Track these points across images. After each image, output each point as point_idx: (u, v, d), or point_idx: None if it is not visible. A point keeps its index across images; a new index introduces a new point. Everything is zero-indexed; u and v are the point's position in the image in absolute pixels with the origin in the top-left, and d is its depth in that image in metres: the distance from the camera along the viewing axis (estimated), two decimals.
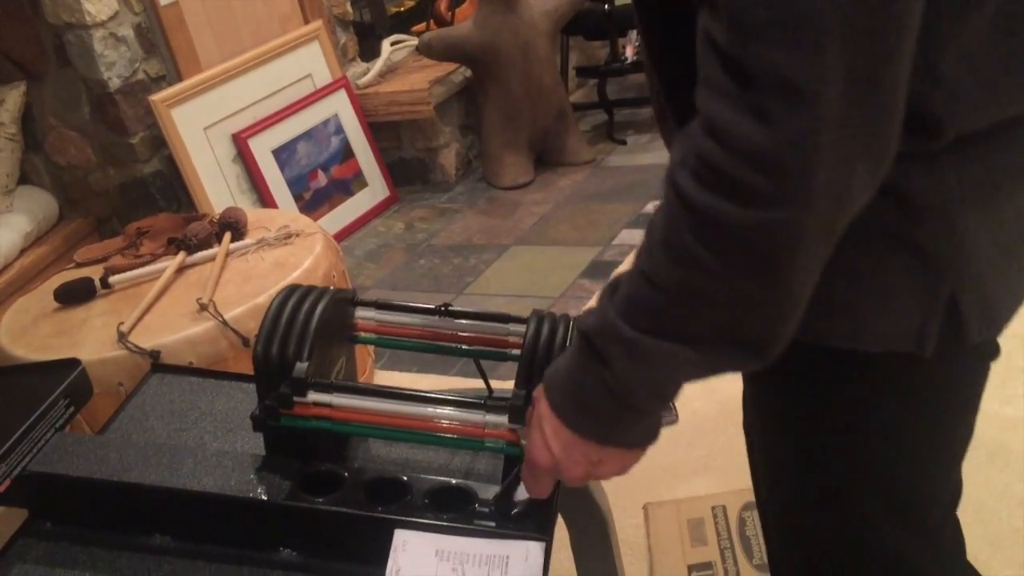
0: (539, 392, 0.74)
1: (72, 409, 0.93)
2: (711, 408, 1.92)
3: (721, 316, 0.61)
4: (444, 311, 0.97)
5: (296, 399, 0.85)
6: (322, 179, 3.40)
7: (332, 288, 0.94)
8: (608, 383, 0.66)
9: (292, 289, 0.92)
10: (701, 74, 0.57)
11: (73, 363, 0.97)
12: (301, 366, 0.85)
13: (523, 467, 0.77)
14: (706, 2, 0.56)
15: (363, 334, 0.99)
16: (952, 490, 0.87)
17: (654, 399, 0.68)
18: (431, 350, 0.98)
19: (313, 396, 0.85)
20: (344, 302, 0.96)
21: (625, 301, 0.64)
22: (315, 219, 3.24)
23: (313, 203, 3.35)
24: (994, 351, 0.78)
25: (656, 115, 0.86)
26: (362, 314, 0.99)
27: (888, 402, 0.77)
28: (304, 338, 0.86)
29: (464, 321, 0.97)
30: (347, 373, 1.00)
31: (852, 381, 0.77)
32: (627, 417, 0.69)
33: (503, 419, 0.82)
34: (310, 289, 0.92)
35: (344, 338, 0.98)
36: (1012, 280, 0.74)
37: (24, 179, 3.07)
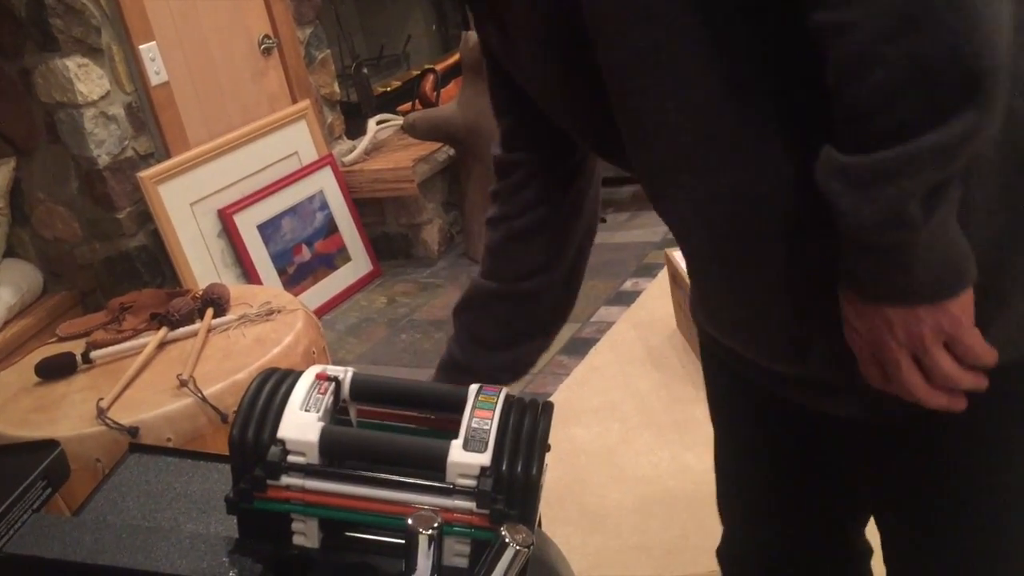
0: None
1: (49, 490, 0.95)
2: (686, 487, 1.93)
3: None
4: None
5: (270, 482, 0.87)
6: (306, 254, 3.45)
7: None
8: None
9: (269, 373, 0.94)
10: None
11: (51, 444, 0.99)
12: (275, 450, 0.87)
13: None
14: None
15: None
16: None
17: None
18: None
19: (286, 480, 0.87)
20: None
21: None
22: (298, 293, 3.28)
23: (296, 277, 3.39)
24: None
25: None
26: None
27: None
28: (279, 421, 0.89)
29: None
30: None
31: None
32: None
33: (471, 504, 0.84)
34: (287, 373, 0.95)
35: None
36: None
37: (10, 252, 3.10)
